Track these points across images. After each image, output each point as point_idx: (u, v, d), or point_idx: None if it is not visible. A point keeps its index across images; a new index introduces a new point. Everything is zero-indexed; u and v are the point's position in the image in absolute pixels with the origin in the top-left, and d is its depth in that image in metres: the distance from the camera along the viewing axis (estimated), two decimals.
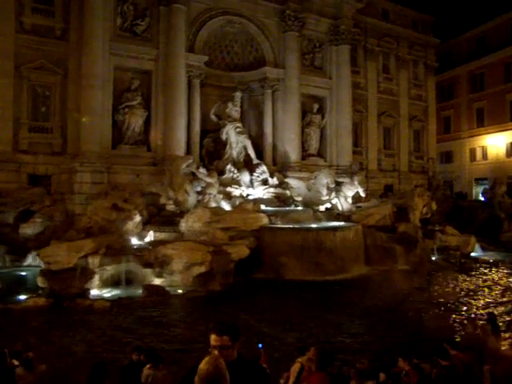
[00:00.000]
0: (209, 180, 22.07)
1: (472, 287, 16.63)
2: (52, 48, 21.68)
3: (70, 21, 22.02)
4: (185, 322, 12.58)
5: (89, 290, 14.96)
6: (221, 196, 21.87)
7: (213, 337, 3.33)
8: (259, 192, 24.16)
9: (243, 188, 23.83)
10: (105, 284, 15.80)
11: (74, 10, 21.96)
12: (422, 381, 6.09)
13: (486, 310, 12.55)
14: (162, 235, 18.59)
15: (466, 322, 11.19)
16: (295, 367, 6.19)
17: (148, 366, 6.63)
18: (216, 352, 3.29)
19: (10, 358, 6.47)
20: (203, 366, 2.90)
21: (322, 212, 23.42)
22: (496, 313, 11.50)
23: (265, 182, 24.66)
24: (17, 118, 20.96)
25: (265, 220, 19.55)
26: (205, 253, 16.36)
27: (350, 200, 24.76)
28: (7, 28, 20.72)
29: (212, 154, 25.94)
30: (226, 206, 21.20)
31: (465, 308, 13.59)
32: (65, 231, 18.32)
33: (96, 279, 15.53)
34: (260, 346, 7.15)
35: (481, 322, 9.03)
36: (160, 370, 6.66)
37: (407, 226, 22.23)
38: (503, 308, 13.34)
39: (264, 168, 25.05)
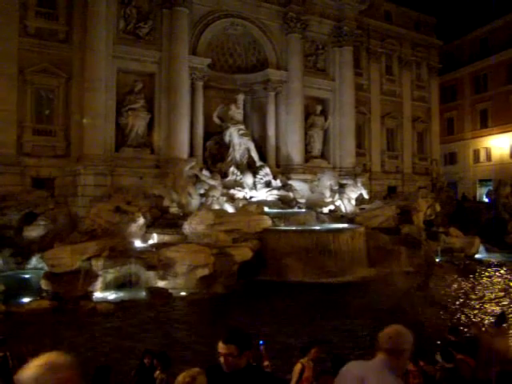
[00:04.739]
0: (212, 182, 22.09)
1: (476, 289, 16.50)
2: (55, 51, 21.74)
3: (74, 24, 22.12)
4: (188, 324, 12.55)
5: (92, 292, 14.96)
6: (224, 198, 21.86)
7: (220, 344, 3.33)
8: (262, 194, 24.13)
9: (246, 190, 23.81)
10: (108, 286, 15.82)
11: (78, 13, 22.05)
12: (426, 382, 6.06)
13: (492, 311, 12.46)
14: (165, 238, 18.61)
15: (470, 323, 11.12)
16: (297, 368, 6.26)
17: (158, 369, 6.62)
18: (222, 359, 3.29)
19: (11, 361, 6.47)
20: (181, 378, 2.91)
21: (325, 214, 23.38)
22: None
23: (268, 184, 24.63)
24: (20, 121, 21.03)
25: (268, 222, 19.50)
26: (208, 255, 16.36)
27: (353, 202, 24.72)
28: (11, 31, 20.82)
29: (215, 157, 25.94)
30: (230, 209, 21.19)
31: (469, 310, 13.49)
32: (68, 234, 18.40)
33: (99, 282, 15.53)
34: (261, 342, 7.04)
35: (486, 325, 8.96)
36: (169, 374, 6.65)
37: (411, 227, 22.18)
38: (509, 309, 13.23)
39: (267, 170, 25.03)
